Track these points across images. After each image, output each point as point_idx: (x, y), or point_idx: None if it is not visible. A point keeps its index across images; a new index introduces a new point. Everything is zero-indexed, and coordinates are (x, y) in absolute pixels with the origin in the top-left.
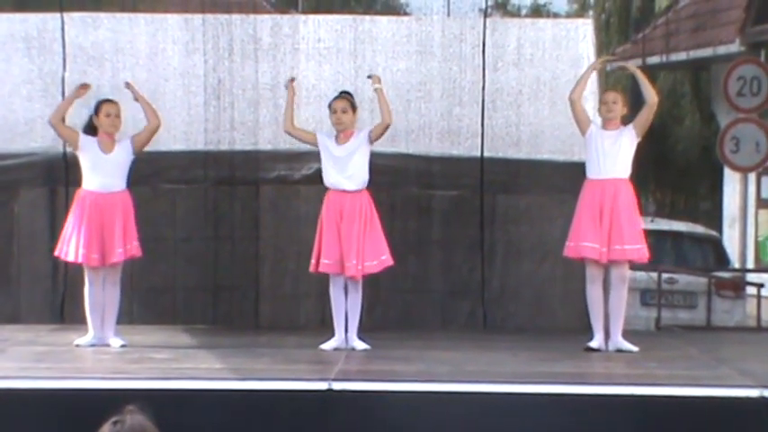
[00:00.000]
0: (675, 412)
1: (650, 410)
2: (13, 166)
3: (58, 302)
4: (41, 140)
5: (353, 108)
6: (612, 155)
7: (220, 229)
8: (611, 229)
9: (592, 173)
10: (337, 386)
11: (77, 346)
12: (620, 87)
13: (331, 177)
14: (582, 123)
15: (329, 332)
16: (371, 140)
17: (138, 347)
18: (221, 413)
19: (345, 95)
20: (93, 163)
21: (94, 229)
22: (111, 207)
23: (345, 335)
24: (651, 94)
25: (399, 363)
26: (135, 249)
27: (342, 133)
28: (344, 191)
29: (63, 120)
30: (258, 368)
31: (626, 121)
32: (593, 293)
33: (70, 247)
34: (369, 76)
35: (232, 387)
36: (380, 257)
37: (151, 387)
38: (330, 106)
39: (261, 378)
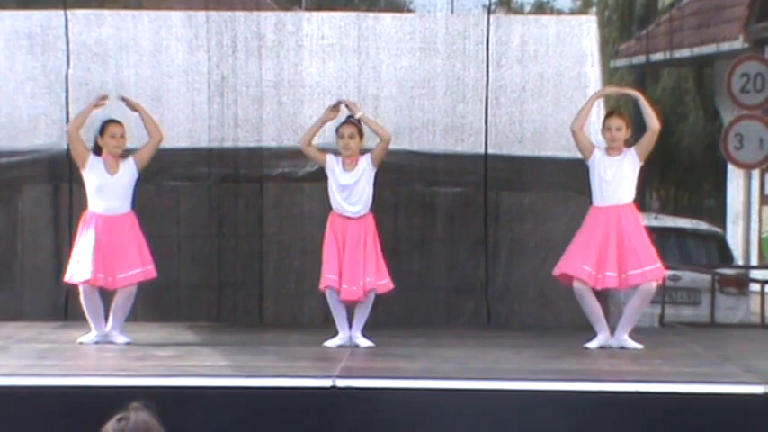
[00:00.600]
0: (680, 409)
1: (655, 407)
2: (16, 164)
3: (62, 300)
4: (45, 138)
5: (361, 134)
6: (615, 182)
7: (224, 226)
8: (623, 256)
9: (596, 200)
10: (341, 383)
11: (81, 343)
12: (623, 108)
13: (335, 202)
14: (585, 150)
15: (333, 329)
16: (375, 163)
17: (142, 345)
18: (225, 410)
19: (353, 121)
20: (99, 186)
21: (102, 251)
22: (119, 229)
23: (349, 332)
24: (654, 121)
25: (403, 360)
26: (152, 272)
27: (348, 159)
28: (348, 217)
29: (80, 128)
30: (262, 365)
31: (629, 143)
32: (589, 303)
33: (77, 268)
34: (346, 106)
35: (236, 384)
36: (381, 281)
37: (155, 384)
38: (337, 131)
39: (265, 375)
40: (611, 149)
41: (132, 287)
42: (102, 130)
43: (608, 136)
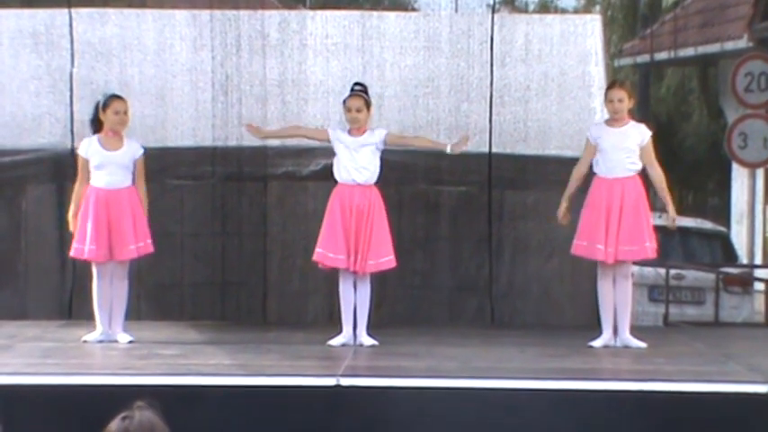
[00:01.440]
0: (683, 408)
1: (658, 406)
2: (20, 162)
3: (66, 298)
4: (49, 136)
5: (368, 106)
6: (618, 153)
7: (228, 224)
8: (618, 230)
9: (599, 171)
10: (345, 382)
11: (85, 342)
12: (626, 81)
13: (342, 170)
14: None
15: (337, 328)
16: (386, 144)
17: (146, 343)
18: (229, 409)
19: (360, 93)
20: (99, 162)
21: (101, 224)
22: (117, 203)
23: (354, 331)
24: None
25: (407, 359)
26: (148, 247)
27: (355, 129)
28: (355, 184)
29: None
30: (266, 364)
31: (633, 115)
32: (604, 289)
33: (78, 243)
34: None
35: (240, 383)
36: (382, 258)
37: (158, 383)
38: (345, 103)
39: (269, 374)
40: (613, 120)
41: (125, 280)
42: (105, 104)
43: (610, 108)
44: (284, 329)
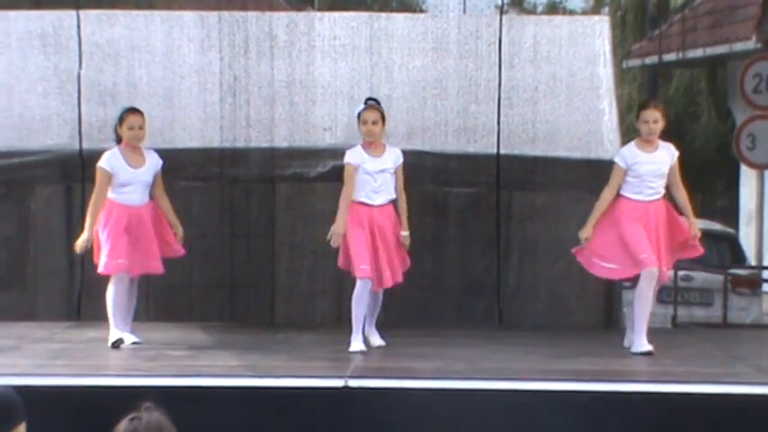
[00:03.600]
0: (692, 409)
1: (666, 408)
2: (28, 164)
3: (75, 299)
4: (57, 138)
5: (383, 119)
6: (655, 179)
7: (236, 226)
8: (663, 249)
9: (628, 192)
10: (353, 383)
11: (116, 346)
12: (660, 100)
13: (361, 192)
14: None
15: (345, 330)
16: (397, 174)
17: (154, 345)
18: (237, 410)
19: (374, 105)
20: (126, 180)
21: (130, 239)
22: (142, 219)
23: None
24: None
25: (415, 360)
26: (178, 253)
27: (372, 145)
28: (373, 205)
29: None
30: (274, 365)
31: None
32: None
33: (110, 259)
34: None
35: (248, 384)
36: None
37: (167, 384)
38: (359, 116)
39: (277, 375)
40: (645, 142)
41: (136, 286)
42: (121, 119)
43: (645, 129)
44: (292, 331)
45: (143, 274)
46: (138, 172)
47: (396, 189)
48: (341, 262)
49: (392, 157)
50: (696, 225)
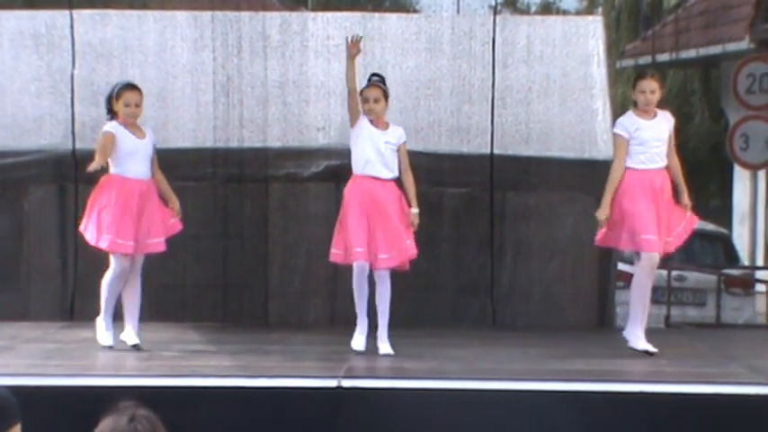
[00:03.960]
0: (685, 409)
1: (660, 408)
2: (22, 164)
3: (68, 299)
4: (50, 137)
5: (386, 96)
6: (657, 144)
7: (229, 226)
8: (667, 221)
9: (635, 163)
10: (347, 384)
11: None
12: (656, 74)
13: (366, 163)
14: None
15: (338, 330)
16: (399, 154)
17: (147, 344)
18: (230, 411)
19: (377, 83)
20: (132, 149)
21: (133, 216)
22: (147, 194)
23: (367, 321)
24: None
25: (409, 360)
26: (176, 227)
27: (376, 120)
28: (379, 178)
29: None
30: (267, 366)
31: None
32: (648, 281)
33: (112, 236)
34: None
35: (241, 385)
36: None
37: (160, 384)
38: (361, 94)
39: (270, 376)
40: (643, 112)
41: (139, 276)
42: (118, 95)
43: (642, 99)
44: (285, 331)
45: (146, 254)
46: (141, 142)
47: (399, 167)
48: (332, 255)
49: (396, 134)
50: (686, 196)
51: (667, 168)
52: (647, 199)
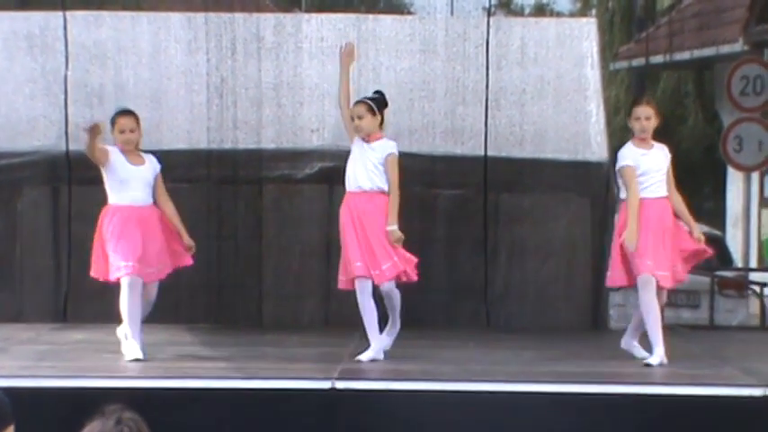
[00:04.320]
0: (679, 411)
1: (654, 410)
2: (15, 165)
3: (61, 301)
4: (44, 139)
5: (372, 111)
6: (658, 174)
7: (223, 228)
8: (672, 251)
9: (642, 193)
10: (341, 385)
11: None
12: (652, 98)
13: (354, 179)
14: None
15: (333, 332)
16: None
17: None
18: (224, 412)
19: (363, 100)
20: (125, 177)
21: (137, 242)
22: (148, 221)
23: (384, 336)
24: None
25: (403, 361)
26: (187, 259)
27: (367, 136)
28: (366, 191)
29: (97, 147)
30: (261, 367)
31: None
32: (654, 303)
33: (124, 261)
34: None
35: (235, 386)
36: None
37: (154, 386)
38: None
39: (264, 377)
40: (639, 140)
41: (155, 289)
42: (112, 122)
43: (638, 126)
44: (280, 333)
45: (148, 282)
46: (137, 169)
47: (387, 181)
48: (339, 282)
49: (382, 148)
50: (698, 228)
51: (667, 198)
52: (647, 229)
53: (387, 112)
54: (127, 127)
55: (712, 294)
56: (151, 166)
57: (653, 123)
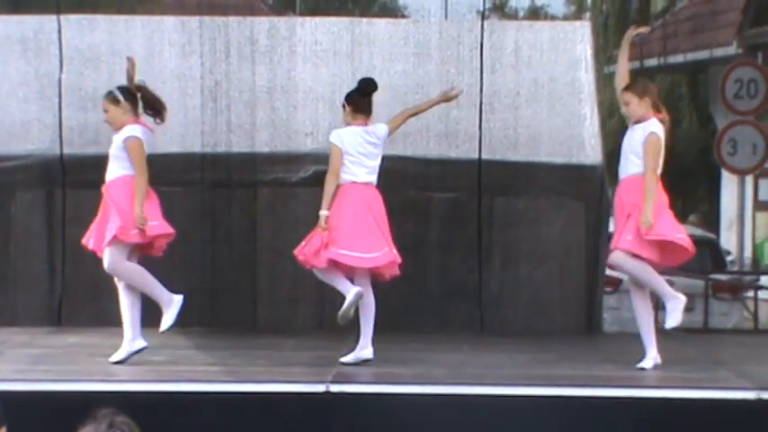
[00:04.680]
0: (673, 414)
1: (648, 413)
2: (9, 168)
3: (55, 305)
4: (38, 142)
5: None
6: (624, 155)
7: (218, 231)
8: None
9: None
10: (335, 389)
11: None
12: (639, 81)
13: (357, 172)
14: None
15: (327, 335)
16: (390, 132)
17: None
18: (218, 416)
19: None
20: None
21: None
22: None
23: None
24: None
25: (396, 365)
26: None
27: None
28: (370, 183)
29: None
30: (255, 371)
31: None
32: (646, 303)
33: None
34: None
35: (229, 390)
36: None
37: (148, 390)
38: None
39: (258, 381)
40: (629, 121)
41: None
42: None
43: (623, 110)
44: (274, 336)
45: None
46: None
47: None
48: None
49: (382, 132)
50: (646, 212)
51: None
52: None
53: (381, 115)
54: (102, 108)
55: (707, 297)
56: (119, 137)
57: (633, 107)
